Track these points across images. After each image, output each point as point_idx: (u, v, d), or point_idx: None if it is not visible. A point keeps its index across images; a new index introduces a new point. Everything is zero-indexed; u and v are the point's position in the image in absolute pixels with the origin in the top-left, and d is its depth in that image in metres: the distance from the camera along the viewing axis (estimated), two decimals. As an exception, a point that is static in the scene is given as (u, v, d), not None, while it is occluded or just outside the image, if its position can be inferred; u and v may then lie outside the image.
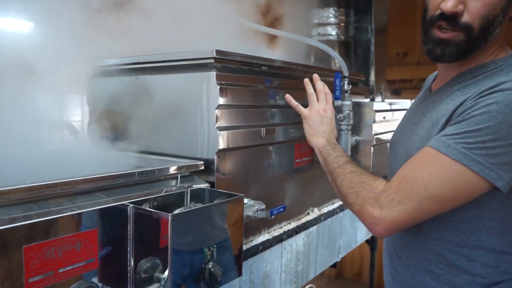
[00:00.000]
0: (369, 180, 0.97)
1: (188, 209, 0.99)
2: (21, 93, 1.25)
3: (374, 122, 1.75)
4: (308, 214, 1.67)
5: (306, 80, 1.41)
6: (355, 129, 1.77)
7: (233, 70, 1.26)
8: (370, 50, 2.54)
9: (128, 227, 0.91)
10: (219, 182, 1.20)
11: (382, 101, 2.04)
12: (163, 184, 1.08)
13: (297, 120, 1.43)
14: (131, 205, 0.91)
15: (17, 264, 0.72)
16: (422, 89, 1.22)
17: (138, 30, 1.55)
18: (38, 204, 0.79)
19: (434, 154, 0.88)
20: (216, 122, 1.18)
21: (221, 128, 1.19)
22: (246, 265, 1.30)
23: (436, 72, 1.15)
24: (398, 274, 1.08)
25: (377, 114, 1.78)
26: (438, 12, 0.95)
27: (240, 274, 1.07)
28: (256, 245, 1.34)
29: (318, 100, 1.37)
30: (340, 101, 1.52)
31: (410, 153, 0.99)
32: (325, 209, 1.76)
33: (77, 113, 1.67)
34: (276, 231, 1.46)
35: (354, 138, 1.73)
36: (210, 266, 0.98)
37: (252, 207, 1.21)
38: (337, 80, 1.51)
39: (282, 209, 1.28)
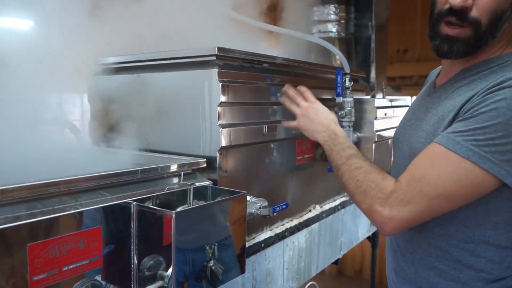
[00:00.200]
0: (377, 179, 0.96)
1: (192, 207, 0.99)
2: (21, 92, 1.25)
3: (376, 118, 1.75)
4: (310, 211, 1.67)
5: (283, 101, 1.38)
6: (357, 126, 1.76)
7: (235, 67, 1.26)
8: (371, 47, 2.54)
9: (132, 225, 0.91)
10: (222, 179, 1.20)
11: (383, 97, 2.04)
12: (165, 182, 1.08)
13: (298, 117, 1.43)
14: (134, 203, 0.91)
15: (22, 262, 0.72)
16: (426, 84, 1.22)
17: (138, 27, 1.55)
18: (42, 202, 0.79)
19: (443, 152, 0.87)
20: (218, 119, 1.18)
21: (223, 126, 1.18)
22: (248, 262, 1.30)
23: (440, 67, 1.14)
24: (402, 270, 1.08)
25: (378, 110, 1.77)
26: (447, 6, 0.94)
27: (243, 271, 1.07)
28: (258, 242, 1.34)
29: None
30: (341, 98, 1.51)
31: (414, 149, 0.99)
32: (327, 206, 1.77)
33: (78, 112, 1.67)
34: (278, 228, 1.46)
35: (355, 135, 1.73)
36: (211, 264, 0.98)
37: (254, 204, 1.21)
38: (339, 76, 1.50)
39: (284, 206, 1.29)
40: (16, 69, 1.23)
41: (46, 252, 0.75)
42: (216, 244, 0.99)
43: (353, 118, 1.54)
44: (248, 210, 1.17)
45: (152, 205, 0.99)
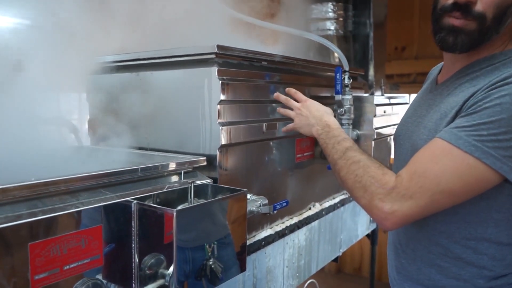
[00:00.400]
0: (377, 174, 0.94)
1: (193, 205, 0.99)
2: (19, 91, 1.25)
3: (375, 116, 1.75)
4: (310, 209, 1.67)
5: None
6: (356, 123, 1.76)
7: (234, 65, 1.26)
8: (369, 45, 2.54)
9: (132, 223, 0.91)
10: (222, 177, 1.20)
11: (382, 95, 2.04)
12: (166, 180, 1.08)
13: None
14: (135, 201, 0.90)
15: (23, 261, 0.72)
16: (427, 81, 1.21)
17: (136, 26, 1.55)
18: (43, 201, 0.79)
19: (446, 147, 0.87)
20: (218, 117, 1.17)
21: (223, 124, 1.18)
22: (249, 260, 1.30)
23: (441, 63, 1.14)
24: (403, 268, 1.07)
25: (377, 108, 1.77)
26: (451, 1, 0.93)
27: (244, 269, 1.07)
28: (259, 240, 1.34)
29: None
30: (340, 95, 1.51)
31: (416, 146, 0.98)
32: (326, 203, 1.77)
33: (76, 111, 1.66)
34: (279, 226, 1.46)
35: (355, 133, 1.73)
36: (211, 263, 0.98)
37: (255, 202, 1.21)
38: (338, 74, 1.50)
39: (285, 204, 1.28)
40: (15, 68, 1.23)
41: (47, 251, 0.75)
42: (217, 242, 0.99)
43: (352, 116, 1.53)
44: (249, 208, 1.17)
45: (153, 203, 0.99)
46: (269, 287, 1.43)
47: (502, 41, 0.97)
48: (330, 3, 2.42)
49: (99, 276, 0.87)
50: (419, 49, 3.59)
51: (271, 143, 1.41)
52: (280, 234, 1.45)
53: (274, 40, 2.14)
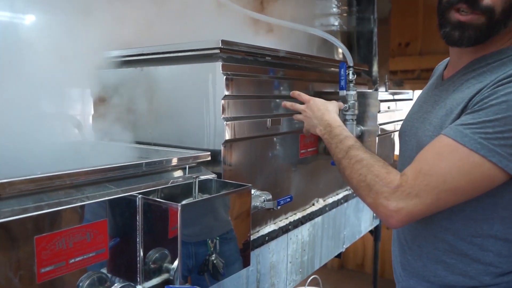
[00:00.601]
0: (381, 173, 0.93)
1: (198, 199, 0.99)
2: (23, 86, 1.25)
3: (379, 112, 1.74)
4: (313, 204, 1.67)
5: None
6: (360, 119, 1.76)
7: (238, 60, 1.26)
8: (373, 41, 2.52)
9: (137, 218, 0.91)
10: (226, 173, 1.20)
11: (386, 91, 2.03)
12: (170, 175, 1.08)
13: (302, 111, 1.43)
14: (140, 196, 0.91)
15: (29, 254, 0.73)
16: (433, 77, 1.20)
17: (139, 21, 1.55)
18: (48, 195, 0.79)
19: (451, 144, 0.86)
20: (222, 112, 1.17)
21: (227, 119, 1.18)
22: (252, 255, 1.30)
23: (447, 59, 1.13)
24: (409, 264, 1.07)
25: (381, 104, 1.77)
26: None
27: (248, 264, 1.07)
28: (262, 235, 1.35)
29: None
30: (345, 91, 1.51)
31: (422, 142, 0.97)
32: (330, 199, 1.77)
33: (80, 106, 1.67)
34: (282, 222, 1.46)
35: (359, 128, 1.73)
36: (213, 258, 0.98)
37: (259, 197, 1.21)
38: (342, 70, 1.50)
39: (288, 199, 1.29)
40: (18, 63, 1.23)
41: (53, 245, 0.76)
42: (221, 237, 0.99)
43: (356, 112, 1.53)
44: (253, 203, 1.17)
45: (157, 198, 0.99)
46: (272, 283, 1.43)
47: (509, 36, 0.95)
48: (334, -2, 2.41)
49: (104, 270, 0.88)
50: (423, 45, 3.57)
51: (275, 138, 1.41)
52: (284, 230, 1.45)
53: (277, 36, 2.13)
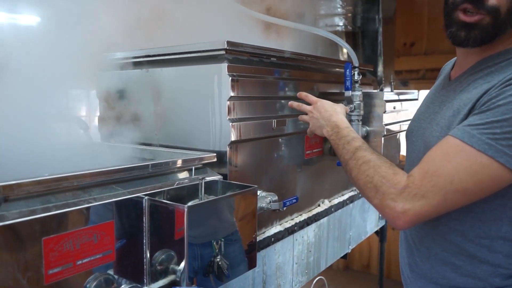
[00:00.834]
0: (387, 174, 0.93)
1: (204, 201, 0.99)
2: (29, 88, 1.26)
3: (385, 112, 1.74)
4: (319, 205, 1.67)
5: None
6: (365, 119, 1.75)
7: (244, 61, 1.26)
8: (378, 40, 2.52)
9: (144, 219, 0.91)
10: (232, 174, 1.20)
11: (391, 91, 2.02)
12: (176, 176, 1.08)
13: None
14: (146, 197, 0.91)
15: (37, 256, 0.73)
16: (440, 77, 1.19)
17: (146, 23, 1.55)
18: (56, 196, 0.79)
19: (458, 145, 0.85)
20: (228, 114, 1.17)
21: (233, 120, 1.18)
22: (258, 256, 1.30)
23: (454, 59, 1.12)
24: (417, 266, 1.06)
25: (387, 104, 1.76)
26: None
27: (254, 265, 1.07)
28: (268, 236, 1.34)
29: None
30: (350, 91, 1.50)
31: (429, 143, 0.97)
32: (335, 200, 1.76)
33: (86, 108, 1.67)
34: (288, 223, 1.46)
35: (364, 129, 1.72)
36: (218, 259, 0.97)
37: (265, 198, 1.21)
38: (348, 70, 1.50)
39: (294, 200, 1.28)
40: (24, 64, 1.24)
41: (60, 246, 0.76)
42: (227, 238, 0.99)
43: (362, 112, 1.53)
44: (259, 204, 1.17)
45: (163, 199, 0.99)
46: (278, 284, 1.43)
47: None
48: (339, -2, 2.41)
49: (110, 272, 0.88)
50: (428, 45, 3.55)
51: (280, 139, 1.41)
52: (290, 231, 1.45)
53: (281, 36, 2.13)
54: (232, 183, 1.09)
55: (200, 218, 0.90)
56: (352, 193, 1.88)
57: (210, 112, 1.21)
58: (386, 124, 1.77)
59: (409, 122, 1.19)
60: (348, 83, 1.50)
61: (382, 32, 2.51)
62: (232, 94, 1.17)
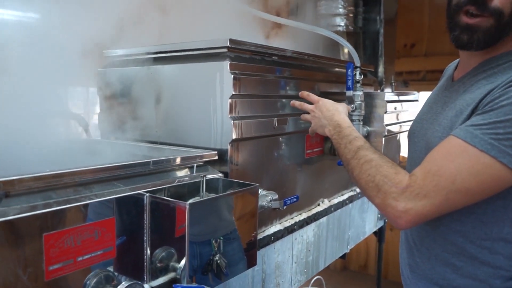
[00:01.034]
0: (389, 173, 0.93)
1: (206, 198, 0.98)
2: (29, 85, 1.25)
3: (386, 112, 1.74)
4: (318, 205, 1.67)
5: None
6: (366, 120, 1.75)
7: (246, 59, 1.25)
8: (379, 41, 2.52)
9: (145, 216, 0.91)
10: (232, 172, 1.20)
11: (392, 91, 2.02)
12: (176, 173, 1.08)
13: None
14: (147, 194, 0.91)
15: (38, 252, 0.72)
16: (443, 78, 1.19)
17: (147, 21, 1.54)
18: (57, 192, 0.79)
19: (461, 145, 0.85)
20: (230, 112, 1.17)
21: (234, 118, 1.18)
22: (258, 255, 1.29)
23: (457, 60, 1.12)
24: (418, 266, 1.06)
25: (388, 104, 1.76)
26: None
27: (254, 263, 1.06)
28: (268, 235, 1.34)
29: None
30: (351, 91, 1.50)
31: (431, 143, 0.97)
32: (335, 200, 1.76)
33: (86, 105, 1.67)
34: (287, 222, 1.46)
35: (365, 129, 1.72)
36: (217, 258, 0.97)
37: (265, 197, 1.21)
38: (349, 70, 1.49)
39: (295, 199, 1.28)
40: (24, 62, 1.23)
41: (61, 242, 0.75)
42: (228, 236, 0.99)
43: (363, 112, 1.53)
44: (259, 203, 1.16)
45: (164, 196, 0.99)
46: (277, 283, 1.43)
47: None
48: (340, -2, 2.40)
49: (110, 268, 0.88)
50: (428, 46, 3.55)
51: (281, 138, 1.40)
52: (289, 230, 1.45)
53: (282, 36, 2.13)
54: (233, 181, 1.09)
55: (201, 215, 0.90)
56: (351, 193, 1.88)
57: (212, 110, 1.20)
58: (387, 125, 1.77)
59: (410, 122, 1.19)
60: (349, 83, 1.50)
61: (383, 33, 2.51)
62: (233, 92, 1.17)
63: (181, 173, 1.09)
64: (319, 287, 2.45)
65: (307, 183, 1.57)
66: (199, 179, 1.03)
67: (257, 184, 1.04)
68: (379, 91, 2.27)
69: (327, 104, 1.30)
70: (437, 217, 0.92)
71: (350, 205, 1.88)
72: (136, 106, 1.37)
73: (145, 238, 0.91)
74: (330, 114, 1.25)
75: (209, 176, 1.09)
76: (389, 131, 1.80)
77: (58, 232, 0.75)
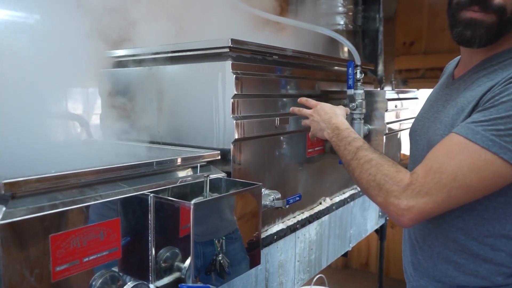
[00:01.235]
0: (390, 172, 0.93)
1: (210, 198, 0.99)
2: (32, 86, 1.25)
3: (386, 111, 1.74)
4: (320, 203, 1.67)
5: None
6: (367, 118, 1.76)
7: (248, 59, 1.26)
8: (379, 39, 2.52)
9: (149, 216, 0.91)
10: (235, 171, 1.20)
11: (392, 90, 2.02)
12: (180, 174, 1.08)
13: (310, 110, 1.43)
14: (152, 195, 0.91)
15: (44, 253, 0.73)
16: (443, 76, 1.20)
17: (149, 21, 1.55)
18: (63, 193, 0.79)
19: (462, 142, 0.86)
20: (232, 111, 1.17)
21: (236, 118, 1.18)
22: (261, 254, 1.30)
23: (457, 58, 1.13)
24: (420, 264, 1.07)
25: (389, 103, 1.77)
26: None
27: (258, 262, 1.07)
28: (271, 234, 1.35)
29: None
30: (352, 90, 1.51)
31: (432, 141, 0.97)
32: (337, 198, 1.77)
33: (88, 106, 1.67)
34: (290, 221, 1.46)
35: (366, 127, 1.72)
36: (220, 258, 0.97)
37: (268, 196, 1.21)
38: (350, 69, 1.50)
39: (298, 198, 1.29)
40: (25, 62, 1.23)
41: (67, 243, 0.76)
42: (231, 236, 0.99)
43: (364, 110, 1.53)
44: (262, 202, 1.17)
45: (167, 197, 0.99)
46: (280, 281, 1.43)
47: None
48: (340, -3, 2.41)
49: (115, 269, 0.88)
50: (427, 44, 3.56)
51: (282, 137, 1.41)
52: (292, 229, 1.45)
53: (282, 35, 2.13)
54: (237, 181, 1.09)
55: (206, 215, 0.90)
56: (353, 191, 1.89)
57: (214, 110, 1.21)
58: (388, 123, 1.77)
59: (410, 120, 1.20)
60: (350, 82, 1.51)
61: (382, 31, 2.51)
62: (236, 92, 1.17)
63: (184, 173, 1.09)
64: (321, 285, 2.46)
65: (309, 182, 1.58)
66: (202, 179, 1.03)
67: (260, 184, 1.04)
68: (379, 89, 2.28)
69: (325, 107, 1.30)
70: (439, 214, 0.92)
71: (351, 203, 1.89)
72: (139, 107, 1.37)
73: (149, 239, 0.92)
74: (328, 117, 1.26)
75: (212, 176, 1.09)
76: (390, 129, 1.80)
77: (64, 233, 0.75)
